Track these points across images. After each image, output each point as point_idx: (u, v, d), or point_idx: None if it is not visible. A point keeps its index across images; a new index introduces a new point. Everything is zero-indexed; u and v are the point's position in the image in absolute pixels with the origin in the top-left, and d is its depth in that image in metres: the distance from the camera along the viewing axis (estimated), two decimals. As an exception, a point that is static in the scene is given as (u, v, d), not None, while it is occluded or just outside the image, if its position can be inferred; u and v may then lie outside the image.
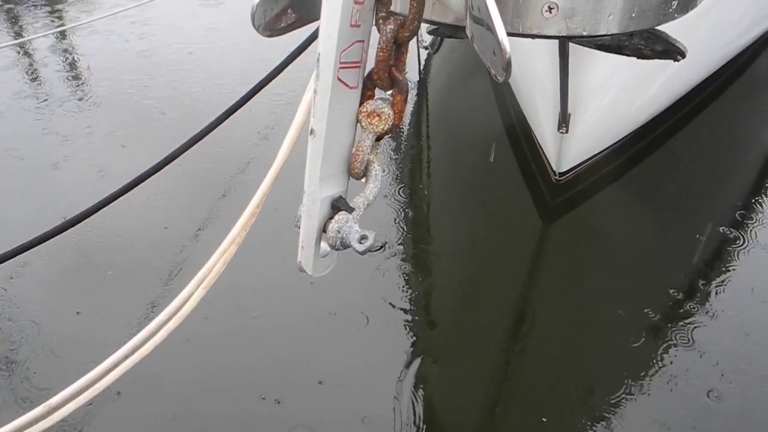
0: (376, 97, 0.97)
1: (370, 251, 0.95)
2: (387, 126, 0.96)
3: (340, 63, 0.89)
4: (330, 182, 0.97)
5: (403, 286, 2.84)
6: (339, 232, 0.97)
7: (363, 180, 1.02)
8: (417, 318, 2.68)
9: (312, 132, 0.92)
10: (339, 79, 0.89)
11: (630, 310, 2.70)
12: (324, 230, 0.99)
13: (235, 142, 3.85)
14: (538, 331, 2.68)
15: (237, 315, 2.70)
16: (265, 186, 2.08)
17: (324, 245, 1.01)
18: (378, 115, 0.95)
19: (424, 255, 3.07)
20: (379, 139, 0.99)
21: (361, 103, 0.97)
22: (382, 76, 0.94)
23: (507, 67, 0.80)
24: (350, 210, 0.98)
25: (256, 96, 2.76)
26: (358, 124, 0.97)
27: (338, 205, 0.98)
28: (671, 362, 2.46)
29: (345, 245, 0.97)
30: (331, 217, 0.98)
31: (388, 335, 2.59)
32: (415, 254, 3.03)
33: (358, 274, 2.87)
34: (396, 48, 0.93)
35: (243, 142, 3.90)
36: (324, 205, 0.98)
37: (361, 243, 0.95)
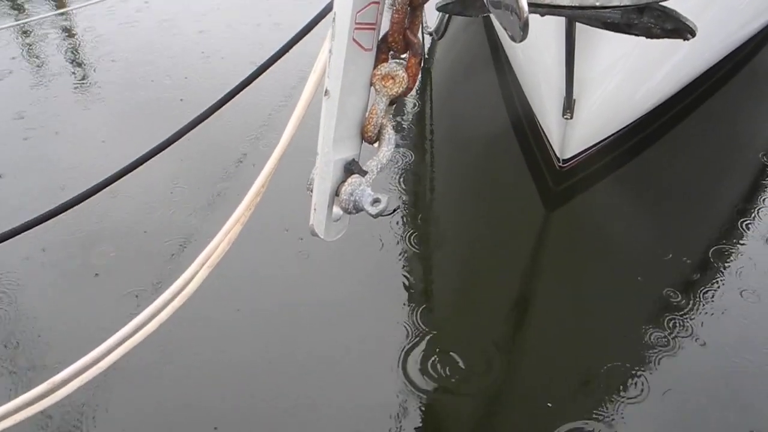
0: (390, 60, 0.99)
1: (382, 215, 0.97)
2: (401, 89, 0.98)
3: (356, 24, 0.90)
4: (343, 145, 0.99)
5: (404, 271, 2.87)
6: (352, 194, 0.99)
7: (376, 144, 1.04)
8: (416, 304, 2.70)
9: (326, 93, 0.93)
10: (354, 40, 0.91)
11: (628, 303, 2.72)
12: (337, 193, 1.01)
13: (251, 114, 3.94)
14: (537, 320, 2.71)
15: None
16: (271, 164, 2.08)
17: (336, 209, 1.03)
18: (392, 78, 0.97)
19: (425, 239, 3.09)
20: (392, 102, 1.01)
21: (375, 66, 0.98)
22: (397, 39, 0.95)
23: (524, 26, 0.81)
24: (363, 173, 1.00)
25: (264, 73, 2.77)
26: (372, 87, 0.99)
27: (351, 168, 1.00)
28: (671, 358, 2.47)
29: (358, 208, 0.99)
30: (344, 180, 1.00)
31: (385, 322, 2.61)
32: (416, 238, 3.06)
33: (360, 257, 2.90)
34: (411, 11, 0.95)
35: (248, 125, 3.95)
36: (337, 167, 1.00)
37: (373, 206, 0.97)
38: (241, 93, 2.83)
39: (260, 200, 2.01)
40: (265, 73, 2.77)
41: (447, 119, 4.10)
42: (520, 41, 0.84)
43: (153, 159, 2.72)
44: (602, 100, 3.01)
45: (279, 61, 2.67)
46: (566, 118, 2.97)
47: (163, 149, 2.70)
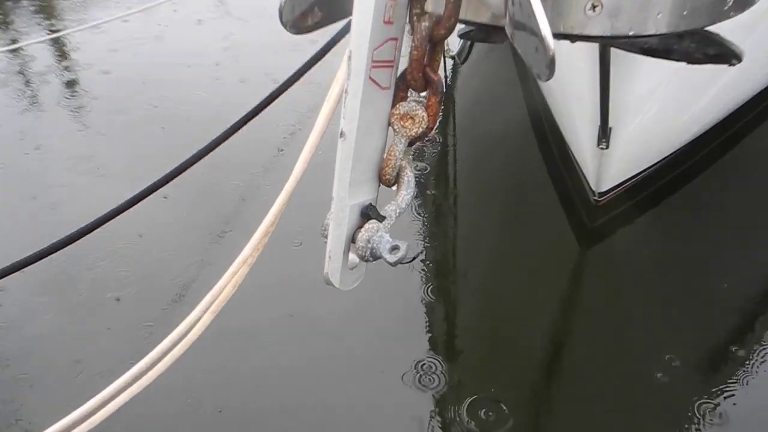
0: (409, 99, 1.01)
1: (402, 263, 0.98)
2: (421, 129, 1.00)
3: (373, 62, 0.93)
4: (360, 189, 1.01)
5: (425, 314, 2.87)
6: (369, 241, 1.00)
7: (394, 187, 1.06)
8: (438, 351, 2.69)
9: (342, 134, 0.96)
10: (371, 79, 0.94)
11: (667, 358, 2.67)
12: (353, 240, 1.03)
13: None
14: (568, 371, 2.69)
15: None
16: (281, 201, 2.11)
17: (352, 256, 1.04)
18: (411, 118, 0.99)
19: (448, 279, 3.10)
20: (411, 143, 1.03)
21: (393, 105, 1.01)
22: (416, 77, 0.98)
23: (551, 64, 0.83)
24: (381, 218, 1.01)
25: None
26: (390, 128, 1.01)
27: (368, 213, 1.01)
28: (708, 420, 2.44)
29: (375, 256, 1.00)
30: (361, 226, 1.02)
31: (408, 366, 2.62)
32: (438, 278, 3.06)
33: (382, 292, 2.92)
34: (431, 47, 0.97)
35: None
36: (353, 212, 1.01)
37: (392, 254, 0.98)
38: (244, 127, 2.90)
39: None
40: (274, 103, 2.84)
41: (471, 148, 4.14)
42: (547, 80, 0.86)
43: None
44: (641, 129, 3.02)
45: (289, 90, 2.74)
46: (602, 148, 2.98)
47: (163, 185, 2.76)
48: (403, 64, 0.99)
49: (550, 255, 3.25)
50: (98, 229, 2.90)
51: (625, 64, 2.72)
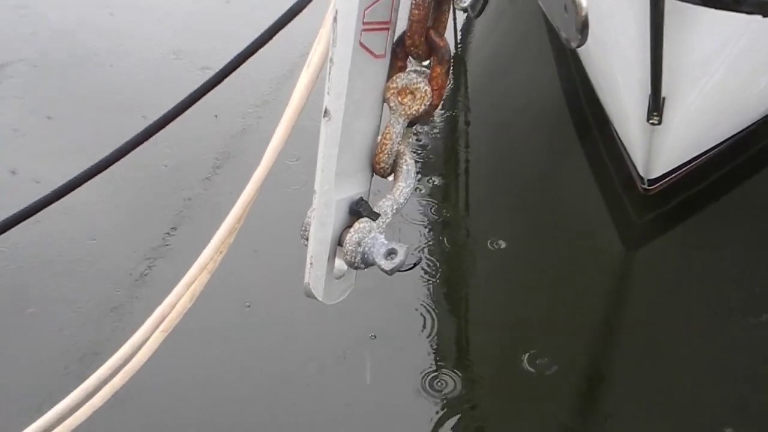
0: (408, 69, 1.03)
1: (399, 270, 1.00)
2: (423, 106, 1.01)
3: (364, 24, 0.94)
4: (348, 180, 1.03)
5: (441, 330, 2.91)
6: (360, 244, 1.01)
7: (390, 178, 1.08)
8: (457, 374, 2.73)
9: (326, 113, 0.97)
10: (362, 45, 0.95)
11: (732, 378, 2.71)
12: (339, 243, 1.05)
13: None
14: (614, 398, 2.73)
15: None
16: (248, 194, 2.14)
17: (339, 262, 1.06)
18: (411, 93, 1.00)
19: (457, 294, 3.12)
20: (412, 124, 1.05)
21: (389, 78, 1.02)
22: (417, 41, 0.98)
23: (583, 27, 0.84)
24: (374, 216, 1.03)
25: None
26: (386, 104, 1.03)
27: (359, 209, 1.03)
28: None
29: (367, 262, 1.02)
30: (350, 226, 1.04)
31: (423, 395, 2.68)
32: (446, 290, 3.09)
33: (383, 316, 2.97)
34: (435, 3, 0.98)
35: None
36: (340, 209, 1.03)
37: (388, 259, 1.00)
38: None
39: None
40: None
41: (487, 129, 4.13)
42: (578, 46, 0.88)
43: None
44: (702, 100, 3.02)
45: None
46: (653, 124, 2.98)
47: (103, 169, 2.76)
48: (401, 26, 1.01)
49: (587, 259, 3.27)
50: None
51: (683, 18, 2.72)
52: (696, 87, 3.00)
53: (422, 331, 2.91)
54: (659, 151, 3.08)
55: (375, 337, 2.91)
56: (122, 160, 2.71)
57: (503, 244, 3.32)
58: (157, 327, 2.15)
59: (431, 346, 2.87)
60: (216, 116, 4.14)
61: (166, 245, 3.39)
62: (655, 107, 2.95)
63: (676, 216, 3.40)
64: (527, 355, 2.82)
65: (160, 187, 3.71)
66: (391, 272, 1.01)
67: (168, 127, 2.72)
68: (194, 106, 2.78)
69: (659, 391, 2.72)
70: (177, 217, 3.55)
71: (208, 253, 2.14)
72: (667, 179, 3.23)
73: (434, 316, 2.96)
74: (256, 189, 2.15)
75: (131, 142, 2.75)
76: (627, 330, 3.03)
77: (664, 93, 2.91)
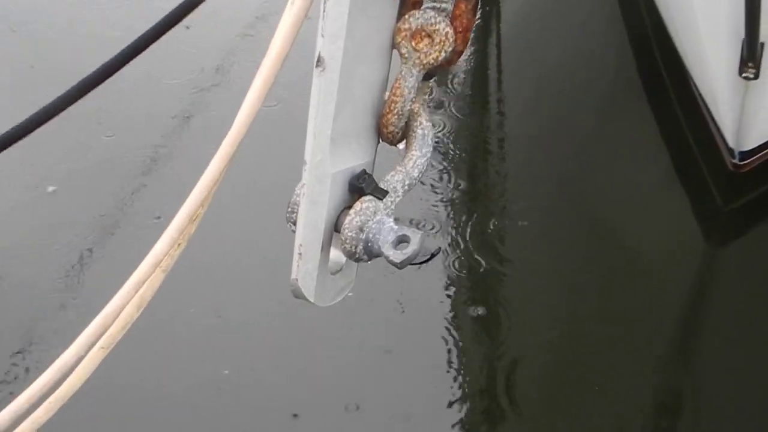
0: (425, 5, 1.04)
1: (412, 263, 1.00)
2: (443, 53, 1.00)
3: None
4: (347, 147, 1.02)
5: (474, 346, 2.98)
6: (362, 230, 1.02)
7: (400, 146, 1.09)
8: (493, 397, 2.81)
9: (319, 62, 0.96)
10: None
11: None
12: (336, 228, 1.07)
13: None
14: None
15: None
16: (213, 172, 2.18)
17: (336, 253, 1.09)
18: (428, 36, 0.99)
19: (490, 296, 3.16)
20: (429, 76, 1.05)
21: (400, 17, 1.05)
22: (436, -32, 1.00)
23: None
24: (381, 194, 1.04)
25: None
26: (396, 51, 1.05)
27: (361, 185, 1.04)
28: None
29: (372, 252, 1.01)
30: (349, 206, 1.05)
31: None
32: (490, 290, 3.15)
33: (403, 329, 3.02)
34: None
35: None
36: (337, 185, 1.04)
37: (398, 249, 1.00)
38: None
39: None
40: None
41: (525, 78, 4.15)
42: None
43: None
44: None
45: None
46: (747, 78, 2.97)
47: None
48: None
49: (662, 255, 3.29)
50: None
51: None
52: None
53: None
54: (755, 114, 3.09)
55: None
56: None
57: (546, 237, 3.40)
58: (94, 343, 2.20)
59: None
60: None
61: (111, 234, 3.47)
62: (751, 56, 2.94)
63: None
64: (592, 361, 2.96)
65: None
66: (401, 265, 1.01)
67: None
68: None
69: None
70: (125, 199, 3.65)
71: (161, 248, 2.18)
72: (764, 153, 3.25)
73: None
74: (223, 166, 2.19)
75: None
76: (709, 336, 3.08)
77: (762, 38, 2.92)
